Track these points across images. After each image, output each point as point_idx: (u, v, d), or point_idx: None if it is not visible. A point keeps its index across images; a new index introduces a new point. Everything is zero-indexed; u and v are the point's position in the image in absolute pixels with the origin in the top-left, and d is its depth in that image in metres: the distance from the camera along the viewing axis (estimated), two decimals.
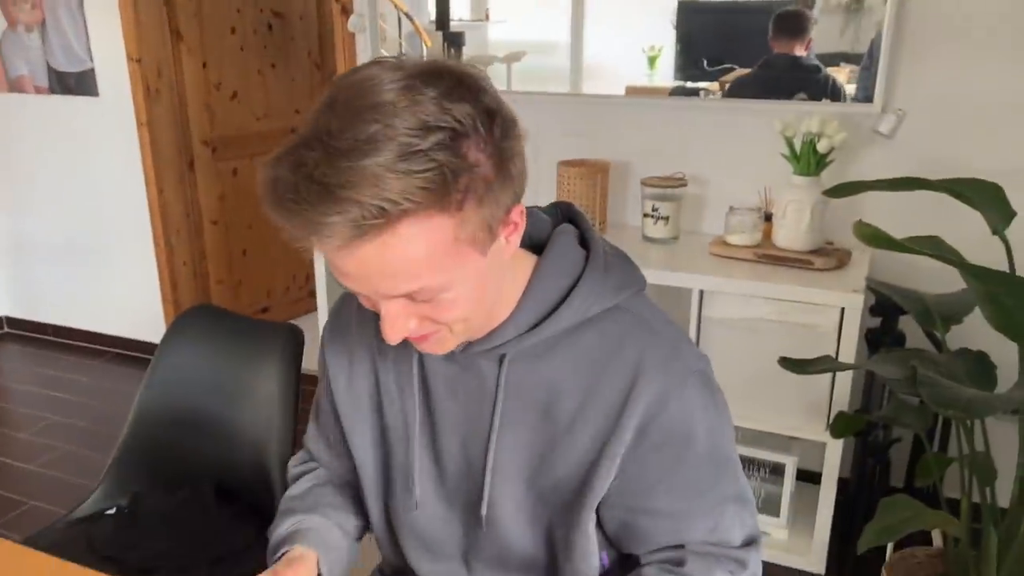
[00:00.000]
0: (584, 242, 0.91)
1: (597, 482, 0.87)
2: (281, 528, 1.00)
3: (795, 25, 2.28)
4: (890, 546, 1.92)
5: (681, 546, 0.91)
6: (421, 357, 0.93)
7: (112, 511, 1.60)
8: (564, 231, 0.90)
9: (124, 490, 1.63)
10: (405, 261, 0.70)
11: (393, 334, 0.77)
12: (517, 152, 0.75)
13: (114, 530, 1.55)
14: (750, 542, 0.94)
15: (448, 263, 0.72)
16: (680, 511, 0.89)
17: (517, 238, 0.81)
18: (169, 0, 3.20)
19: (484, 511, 0.92)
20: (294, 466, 1.12)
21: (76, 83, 3.28)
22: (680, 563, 0.89)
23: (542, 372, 0.88)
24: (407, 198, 0.66)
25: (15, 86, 3.41)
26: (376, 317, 0.81)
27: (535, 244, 0.91)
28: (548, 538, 0.93)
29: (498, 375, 0.88)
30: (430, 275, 0.72)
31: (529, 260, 0.88)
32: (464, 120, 0.68)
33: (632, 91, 2.52)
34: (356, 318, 0.98)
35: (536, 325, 0.86)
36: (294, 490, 1.07)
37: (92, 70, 3.23)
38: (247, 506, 1.56)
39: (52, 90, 3.34)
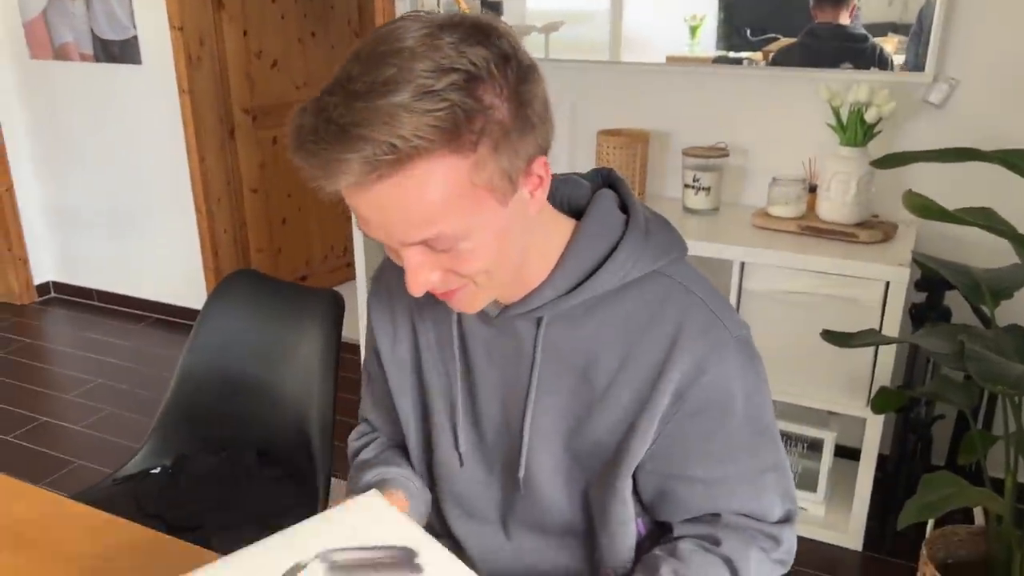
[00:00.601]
0: (625, 208, 0.90)
1: (634, 447, 0.86)
2: (367, 477, 0.99)
3: None
4: (930, 523, 1.89)
5: (717, 515, 0.90)
6: (460, 319, 0.93)
7: (157, 471, 1.64)
8: (604, 195, 0.90)
9: (168, 451, 1.66)
10: (420, 203, 0.70)
11: (415, 285, 0.76)
12: (536, 97, 0.74)
13: (159, 489, 1.58)
14: (786, 518, 0.93)
15: (464, 208, 0.72)
16: (717, 478, 0.88)
17: (542, 194, 0.79)
18: None
19: (522, 473, 0.93)
20: (355, 439, 1.11)
21: (120, 51, 3.31)
22: (716, 541, 0.88)
23: (580, 335, 0.87)
24: (418, 135, 0.66)
25: (60, 54, 3.46)
26: None
27: (574, 209, 0.90)
28: (584, 503, 0.94)
29: (536, 337, 0.88)
30: (446, 220, 0.72)
31: (568, 224, 0.88)
32: (479, 63, 0.69)
33: (673, 61, 2.48)
34: (396, 282, 0.99)
35: (575, 288, 0.85)
36: (366, 454, 1.07)
37: (135, 38, 3.26)
38: (288, 468, 1.59)
39: (96, 58, 3.38)
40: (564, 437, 0.90)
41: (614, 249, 0.85)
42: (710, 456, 0.88)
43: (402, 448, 1.07)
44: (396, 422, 1.06)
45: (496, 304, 0.89)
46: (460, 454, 0.97)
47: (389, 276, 1.01)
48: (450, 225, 0.72)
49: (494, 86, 0.70)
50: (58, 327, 3.73)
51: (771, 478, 0.91)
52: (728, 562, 0.87)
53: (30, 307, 3.89)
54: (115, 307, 3.87)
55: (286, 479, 1.58)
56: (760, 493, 0.90)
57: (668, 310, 0.85)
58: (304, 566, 0.76)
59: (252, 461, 1.60)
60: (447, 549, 0.80)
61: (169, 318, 3.73)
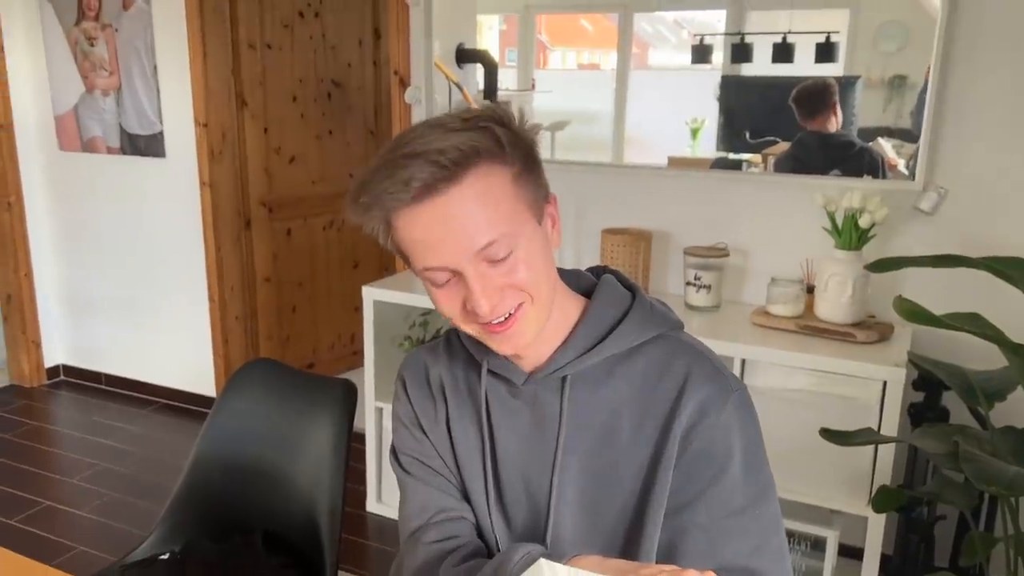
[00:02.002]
0: (628, 289, 1.02)
1: (655, 497, 0.91)
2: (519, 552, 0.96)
3: (816, 100, 2.34)
4: None
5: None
6: (487, 397, 1.00)
7: (166, 556, 1.65)
8: (609, 278, 1.02)
9: (178, 536, 1.68)
10: (480, 206, 0.82)
11: (486, 300, 0.85)
12: (537, 144, 0.90)
13: (167, 574, 1.59)
14: None
15: (512, 213, 0.85)
16: (719, 527, 0.92)
17: (558, 236, 0.93)
18: (236, 68, 3.40)
19: (549, 538, 0.96)
20: (431, 545, 1.01)
21: (146, 145, 3.46)
22: None
23: (602, 396, 0.95)
24: (471, 143, 0.82)
25: (88, 147, 3.61)
26: (447, 355, 1.00)
27: (582, 293, 1.01)
28: None
29: (561, 400, 0.95)
30: (501, 221, 0.84)
31: (580, 300, 1.00)
32: (497, 110, 0.87)
33: (675, 162, 2.59)
34: (429, 362, 1.06)
35: (593, 348, 0.95)
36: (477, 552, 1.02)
37: (161, 133, 3.41)
38: (294, 556, 1.61)
39: (123, 151, 3.52)
40: (587, 499, 0.95)
41: (625, 314, 0.96)
42: (711, 504, 0.92)
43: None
44: (456, 503, 1.04)
45: (521, 374, 0.97)
46: (493, 526, 1.00)
47: (423, 354, 1.07)
48: (505, 226, 0.84)
49: (513, 126, 0.86)
50: (66, 410, 3.76)
51: (772, 539, 0.94)
52: None
53: (39, 390, 3.93)
54: (123, 391, 3.90)
55: (292, 567, 1.59)
56: (759, 549, 0.93)
57: (677, 362, 0.94)
58: None
59: (259, 546, 1.62)
60: None
61: (177, 403, 3.76)
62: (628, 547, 0.95)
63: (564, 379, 0.96)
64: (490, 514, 1.01)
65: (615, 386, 0.95)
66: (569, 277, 1.02)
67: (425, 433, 1.05)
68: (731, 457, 0.92)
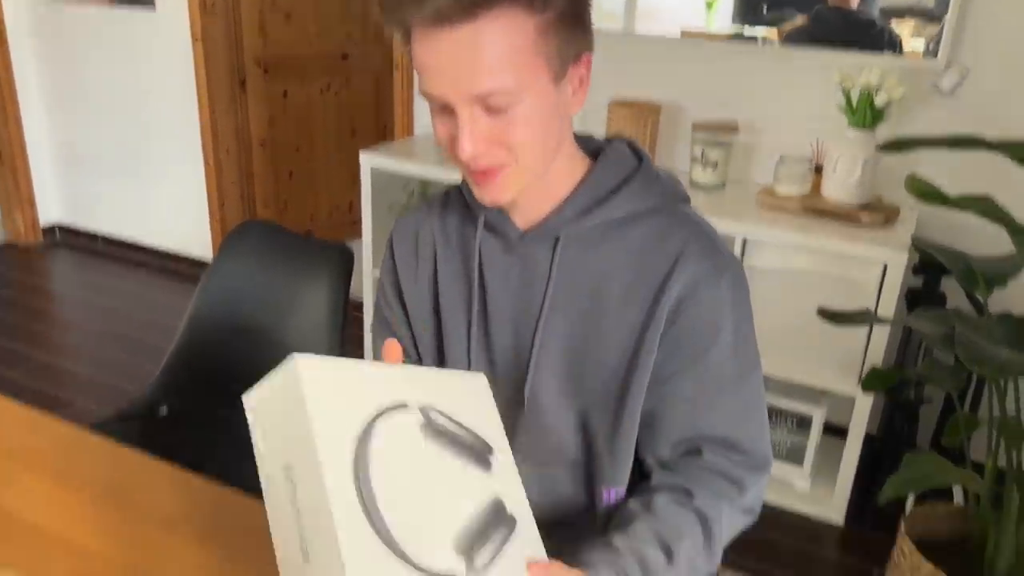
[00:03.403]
0: (637, 157, 0.99)
1: (642, 362, 0.92)
2: None
3: None
4: (911, 501, 1.95)
5: (697, 453, 0.94)
6: (481, 250, 0.99)
7: (163, 411, 1.68)
8: (619, 142, 0.99)
9: (173, 393, 1.70)
10: (490, 51, 0.78)
11: (470, 142, 0.82)
12: (590, 3, 0.85)
13: (163, 428, 1.62)
14: (758, 465, 0.96)
15: (524, 67, 0.80)
16: (702, 399, 0.93)
17: (581, 96, 0.88)
18: None
19: (528, 390, 0.98)
20: None
21: None
22: (689, 495, 0.92)
23: (592, 259, 0.94)
24: None
25: None
26: (441, 210, 0.99)
27: (590, 155, 0.98)
28: (583, 429, 0.98)
29: (551, 258, 0.95)
30: (507, 73, 0.79)
31: (586, 161, 0.97)
32: None
33: (688, 35, 2.48)
34: (424, 218, 1.05)
35: (591, 210, 0.93)
36: None
37: None
38: None
39: (111, 0, 3.36)
40: (570, 358, 0.96)
41: (628, 180, 0.94)
42: (697, 376, 0.93)
43: None
44: (411, 360, 1.09)
45: (516, 229, 0.96)
46: None
47: (415, 216, 1.07)
48: (511, 79, 0.79)
49: None
50: (63, 269, 3.76)
51: (754, 414, 0.96)
52: (701, 516, 0.91)
53: (35, 248, 3.92)
54: (120, 252, 3.90)
55: None
56: (742, 422, 0.95)
57: (673, 236, 0.93)
58: (405, 407, 0.76)
59: None
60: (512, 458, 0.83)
61: (173, 266, 3.76)
62: (611, 412, 0.96)
63: (558, 238, 0.95)
64: (470, 369, 1.01)
65: (609, 251, 0.94)
66: (579, 140, 0.99)
67: (402, 301, 1.06)
68: (719, 332, 0.91)
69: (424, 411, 0.78)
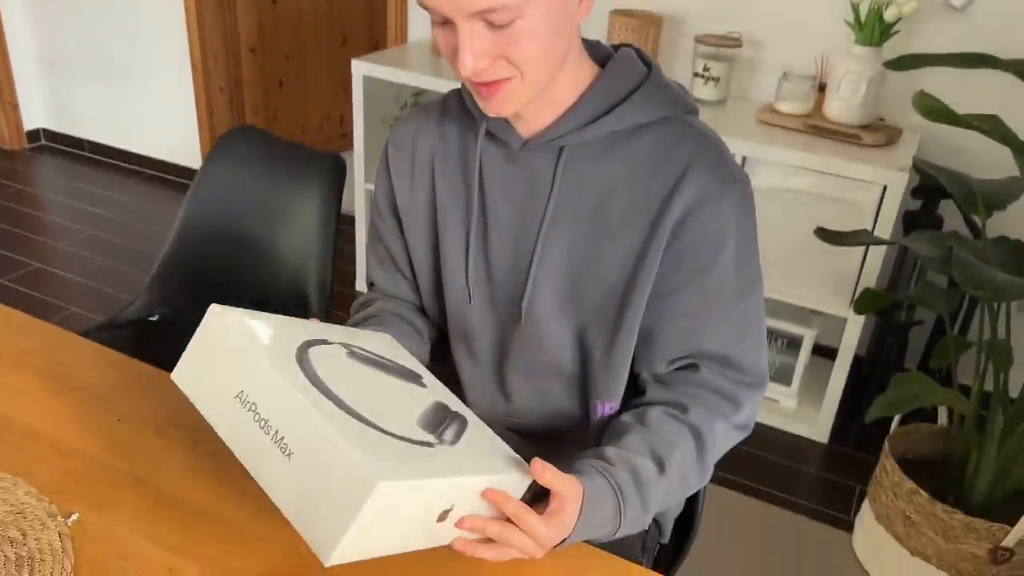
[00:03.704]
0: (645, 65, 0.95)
1: (642, 277, 0.91)
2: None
3: None
4: (895, 422, 1.98)
5: (694, 367, 0.94)
6: (481, 158, 0.96)
7: (155, 318, 1.67)
8: (628, 51, 0.95)
9: (165, 300, 1.69)
10: None
11: (471, 58, 0.79)
12: None
13: (156, 335, 1.62)
14: (754, 382, 0.96)
15: None
16: (701, 315, 0.92)
17: (588, 4, 0.84)
18: None
19: (525, 303, 0.96)
20: (358, 304, 1.13)
21: None
22: (683, 409, 0.92)
23: (597, 171, 0.91)
24: None
25: None
26: (440, 116, 0.96)
27: (599, 62, 0.95)
28: (580, 342, 0.98)
29: (554, 169, 0.92)
30: None
31: (594, 67, 0.93)
32: None
33: None
34: (422, 126, 1.02)
35: (596, 120, 0.90)
36: (363, 315, 1.09)
37: None
38: None
39: None
40: (569, 272, 0.94)
41: (636, 89, 0.91)
42: (696, 292, 0.91)
43: (403, 314, 1.09)
44: (403, 278, 1.09)
45: (518, 138, 0.93)
46: (469, 290, 1.00)
47: (412, 123, 1.03)
48: None
49: None
50: (49, 175, 3.69)
51: (753, 331, 0.95)
52: (695, 430, 0.91)
53: (20, 153, 3.85)
54: (107, 159, 3.83)
55: None
56: (740, 338, 0.94)
57: (681, 149, 0.90)
58: (327, 343, 0.80)
59: None
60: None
61: (161, 174, 3.71)
62: (609, 327, 0.95)
63: (562, 149, 0.92)
64: (468, 283, 1.00)
65: (613, 163, 0.91)
66: (586, 46, 0.94)
67: (396, 212, 1.05)
68: (723, 248, 0.90)
69: (346, 345, 0.82)
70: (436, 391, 0.86)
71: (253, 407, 0.70)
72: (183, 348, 1.59)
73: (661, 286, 0.92)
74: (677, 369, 0.96)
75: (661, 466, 0.88)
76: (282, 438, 0.68)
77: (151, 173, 3.73)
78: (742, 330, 0.94)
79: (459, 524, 0.75)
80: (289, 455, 0.67)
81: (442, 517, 0.72)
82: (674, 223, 0.89)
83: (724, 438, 0.95)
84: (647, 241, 0.90)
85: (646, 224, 0.90)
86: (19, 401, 1.02)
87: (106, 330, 1.62)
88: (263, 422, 0.69)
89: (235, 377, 0.72)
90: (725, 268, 0.91)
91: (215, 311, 0.75)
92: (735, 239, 0.90)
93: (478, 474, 0.74)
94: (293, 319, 0.84)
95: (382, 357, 0.86)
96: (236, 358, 0.72)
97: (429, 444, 0.73)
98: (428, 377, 0.89)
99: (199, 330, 0.76)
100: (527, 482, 0.80)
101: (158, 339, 1.60)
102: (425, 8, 0.79)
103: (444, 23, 0.80)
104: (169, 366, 1.50)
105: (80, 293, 2.76)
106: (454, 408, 0.84)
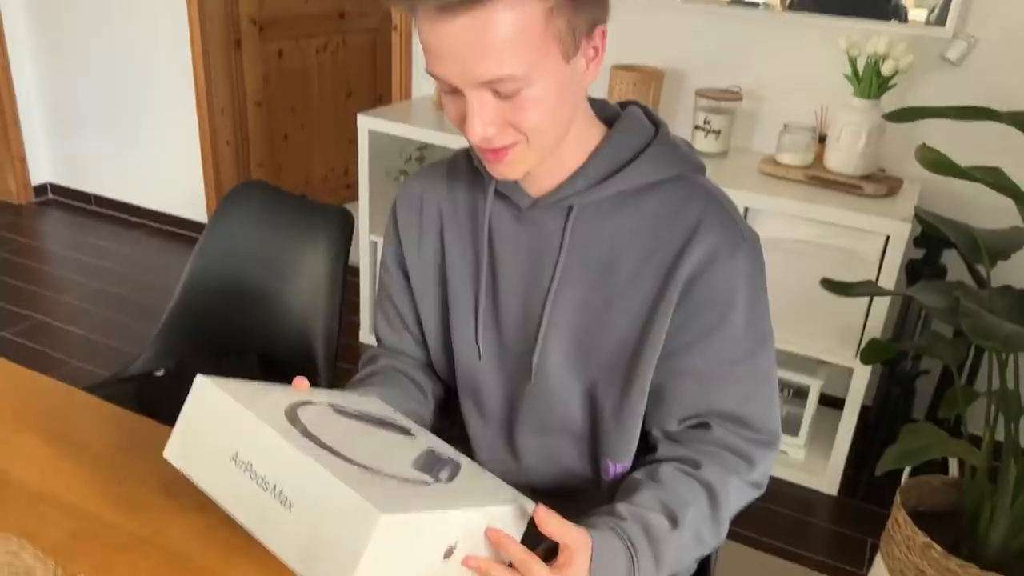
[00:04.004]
0: (653, 124, 0.96)
1: (654, 335, 0.90)
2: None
3: None
4: (906, 473, 1.96)
5: (706, 426, 0.93)
6: (490, 217, 0.97)
7: (160, 373, 1.66)
8: (635, 109, 0.96)
9: (172, 354, 1.68)
10: (497, 40, 0.75)
11: (480, 125, 0.80)
12: None
13: (161, 390, 1.61)
14: (768, 441, 0.95)
15: (534, 51, 0.77)
16: (712, 374, 0.92)
17: (596, 68, 0.86)
18: None
19: (535, 360, 0.96)
20: (361, 366, 1.13)
21: None
22: (696, 465, 0.92)
23: (606, 230, 0.92)
24: None
25: None
26: (448, 176, 0.97)
27: (606, 121, 0.96)
28: (590, 400, 0.97)
29: (563, 229, 0.93)
30: (516, 59, 0.76)
31: (601, 128, 0.94)
32: None
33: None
34: (429, 185, 1.03)
35: (604, 180, 0.91)
36: (363, 374, 1.09)
37: None
38: (289, 378, 1.61)
39: None
40: (579, 330, 0.94)
41: (644, 149, 0.92)
42: (708, 349, 0.91)
43: (408, 372, 1.09)
44: (410, 335, 1.09)
45: (527, 198, 0.94)
46: (479, 347, 1.00)
47: (420, 182, 1.04)
48: (520, 65, 0.77)
49: None
50: (55, 229, 3.72)
51: (765, 389, 0.94)
52: (708, 487, 0.90)
53: (28, 208, 3.88)
54: (113, 212, 3.85)
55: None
56: (752, 397, 0.93)
57: (690, 207, 0.90)
58: (312, 403, 0.81)
59: (255, 367, 1.63)
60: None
61: (167, 227, 3.73)
62: (620, 385, 0.94)
63: (570, 208, 0.92)
64: (477, 340, 1.00)
65: (622, 222, 0.91)
66: (593, 105, 0.96)
67: (404, 270, 1.05)
68: (734, 306, 0.90)
69: (332, 405, 0.83)
70: (428, 440, 0.87)
71: (248, 466, 0.71)
72: (183, 403, 1.57)
73: (671, 344, 0.91)
74: (689, 427, 0.95)
75: (674, 521, 0.87)
76: (281, 491, 0.68)
77: (156, 226, 3.75)
78: (754, 388, 0.93)
79: (464, 562, 0.74)
80: (290, 506, 0.67)
81: (448, 554, 0.72)
82: (684, 281, 0.89)
83: (738, 495, 0.94)
84: (657, 299, 0.90)
85: (656, 282, 0.90)
86: (24, 461, 1.02)
87: (110, 385, 1.61)
88: (260, 479, 0.70)
89: (228, 441, 0.73)
90: (735, 326, 0.90)
91: (202, 383, 0.77)
92: (745, 297, 0.90)
93: (479, 506, 0.74)
94: (276, 384, 0.85)
95: (369, 414, 0.87)
96: (228, 423, 0.74)
97: (426, 483, 0.74)
98: (417, 429, 0.90)
99: (187, 404, 0.78)
100: (528, 515, 0.80)
101: (163, 394, 1.60)
102: (434, 77, 0.81)
103: (453, 91, 0.82)
104: (174, 422, 1.49)
105: (83, 347, 2.75)
106: (447, 454, 0.85)
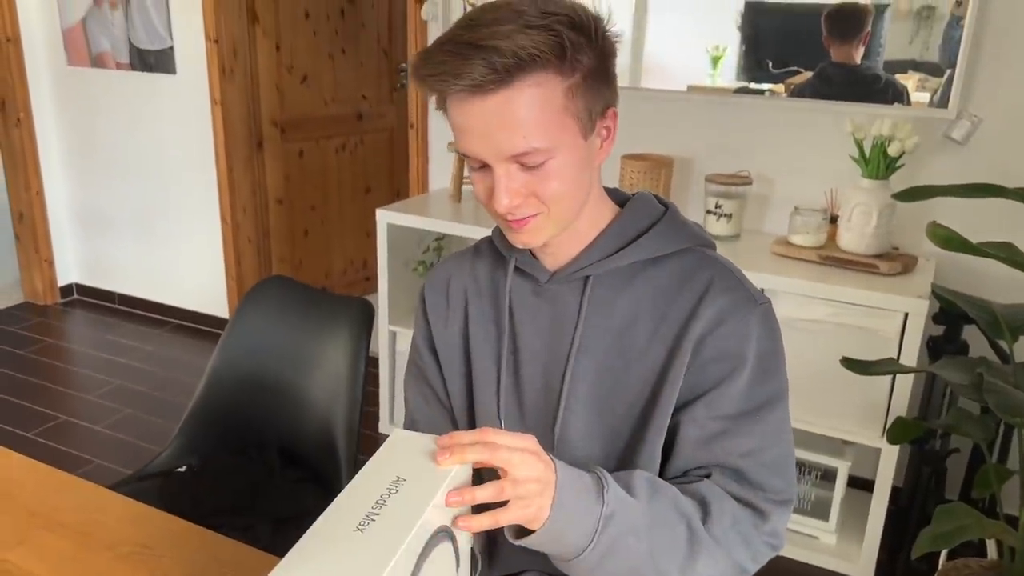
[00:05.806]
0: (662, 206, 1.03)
1: (664, 398, 0.92)
2: None
3: (848, 24, 2.25)
4: (943, 556, 1.90)
5: (709, 476, 0.93)
6: (510, 293, 1.02)
7: (183, 469, 1.67)
8: (645, 193, 1.03)
9: (194, 450, 1.69)
10: (523, 116, 0.83)
11: (506, 197, 0.87)
12: (615, 55, 0.89)
13: (184, 486, 1.61)
14: (781, 500, 0.94)
15: (555, 127, 0.85)
16: (713, 424, 0.92)
17: (608, 147, 0.93)
18: None
19: (558, 429, 0.98)
20: None
21: (156, 60, 3.38)
22: (704, 502, 0.90)
23: (621, 299, 0.96)
24: (535, 49, 0.80)
25: (97, 62, 3.54)
26: (473, 259, 1.03)
27: (617, 203, 1.02)
28: (612, 463, 0.98)
29: (581, 299, 0.97)
30: (541, 134, 0.84)
31: (613, 208, 1.01)
32: (580, 13, 0.85)
33: (695, 91, 2.52)
34: (454, 269, 1.09)
35: (619, 251, 0.96)
36: None
37: (171, 48, 3.33)
38: (311, 472, 1.61)
39: (132, 66, 3.45)
40: (598, 395, 0.97)
41: (655, 223, 0.98)
42: (713, 402, 0.92)
43: None
44: (445, 411, 1.11)
45: (545, 272, 0.99)
46: (501, 419, 1.02)
47: (447, 265, 1.11)
48: (544, 139, 0.84)
49: (589, 34, 0.85)
50: (79, 328, 3.78)
51: (773, 449, 0.93)
52: (703, 502, 0.90)
53: (53, 308, 3.95)
54: (136, 311, 3.92)
55: (309, 480, 1.60)
56: (756, 455, 0.93)
57: (700, 274, 0.95)
58: (441, 532, 0.79)
59: (275, 462, 1.63)
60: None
61: (189, 324, 3.78)
62: (631, 447, 0.96)
63: (587, 279, 0.97)
64: (500, 413, 1.02)
65: (637, 291, 0.96)
66: (607, 191, 1.03)
67: (434, 351, 1.09)
68: (743, 363, 0.91)
69: (444, 529, 0.82)
70: (460, 538, 0.85)
71: (395, 490, 0.75)
72: (210, 499, 1.58)
73: (681, 402, 0.94)
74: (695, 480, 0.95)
75: (656, 488, 0.87)
76: (371, 518, 0.71)
77: (178, 323, 3.80)
78: (756, 445, 0.93)
79: (448, 502, 0.76)
80: (360, 529, 0.70)
81: (444, 531, 0.76)
82: (695, 342, 0.92)
83: (749, 543, 0.92)
84: (669, 361, 0.93)
85: (668, 346, 0.93)
86: (50, 561, 1.02)
87: (133, 482, 1.61)
88: (382, 502, 0.73)
89: (409, 469, 0.77)
90: (741, 382, 0.92)
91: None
92: (755, 353, 0.92)
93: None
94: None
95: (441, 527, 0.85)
96: (424, 462, 0.79)
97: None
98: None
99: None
100: (468, 470, 0.81)
101: (186, 490, 1.60)
102: (464, 155, 0.88)
103: (481, 167, 0.88)
104: (198, 518, 1.49)
105: (105, 445, 2.76)
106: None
